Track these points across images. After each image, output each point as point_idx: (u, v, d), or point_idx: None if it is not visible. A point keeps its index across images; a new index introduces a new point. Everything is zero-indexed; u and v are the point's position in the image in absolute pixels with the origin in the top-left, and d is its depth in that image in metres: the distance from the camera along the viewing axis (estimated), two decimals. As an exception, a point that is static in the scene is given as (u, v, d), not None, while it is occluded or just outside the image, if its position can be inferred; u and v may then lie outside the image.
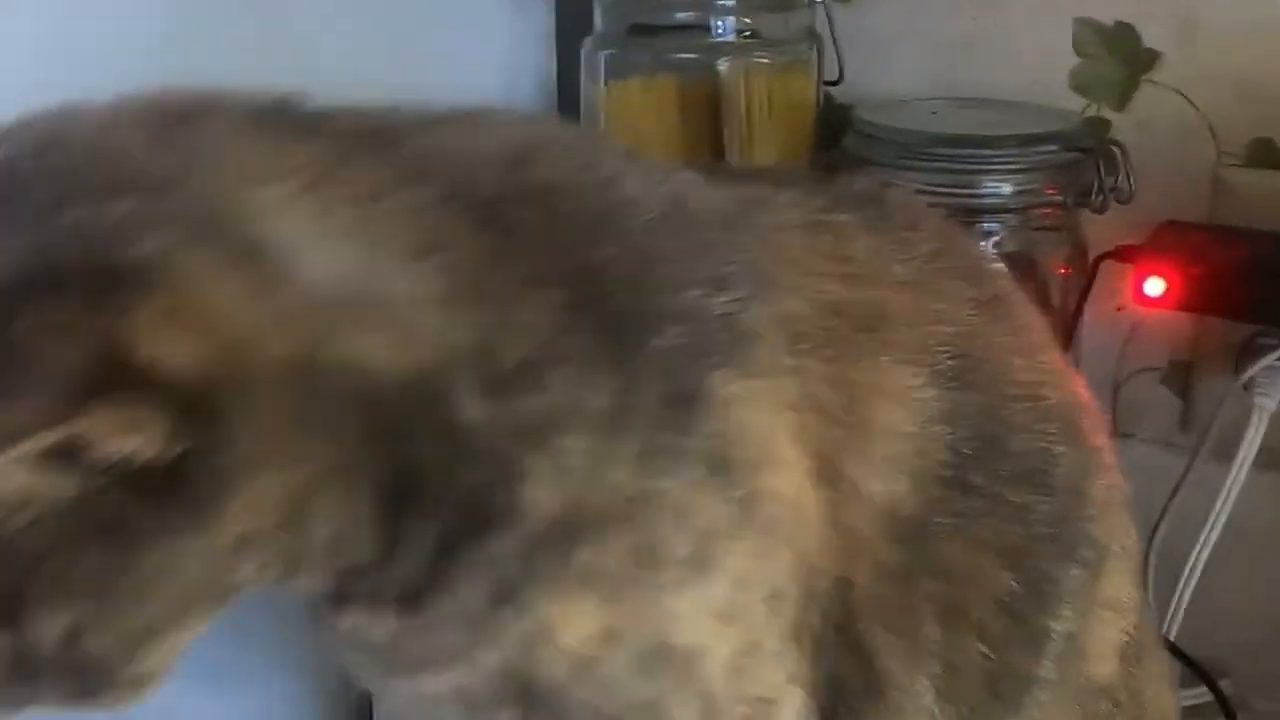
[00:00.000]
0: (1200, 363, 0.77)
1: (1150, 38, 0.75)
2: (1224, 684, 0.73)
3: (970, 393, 0.42)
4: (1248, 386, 0.70)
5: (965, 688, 0.42)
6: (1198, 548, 0.71)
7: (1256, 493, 0.71)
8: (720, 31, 0.75)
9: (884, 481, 0.40)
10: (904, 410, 0.41)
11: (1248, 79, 0.73)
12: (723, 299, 0.38)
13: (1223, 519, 0.69)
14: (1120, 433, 0.81)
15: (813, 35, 0.78)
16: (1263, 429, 0.69)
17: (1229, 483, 0.69)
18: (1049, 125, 0.71)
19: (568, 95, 0.82)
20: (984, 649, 0.41)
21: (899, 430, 0.40)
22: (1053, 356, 0.47)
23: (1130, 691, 0.47)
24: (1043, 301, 0.74)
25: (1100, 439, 0.47)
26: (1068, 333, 0.73)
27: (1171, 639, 0.71)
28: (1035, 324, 0.48)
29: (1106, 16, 0.76)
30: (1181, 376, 0.78)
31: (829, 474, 0.39)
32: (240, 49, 0.67)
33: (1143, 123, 0.76)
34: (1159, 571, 0.72)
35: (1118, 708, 0.47)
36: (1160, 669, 0.51)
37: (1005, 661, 0.42)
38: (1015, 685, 0.43)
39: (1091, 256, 0.74)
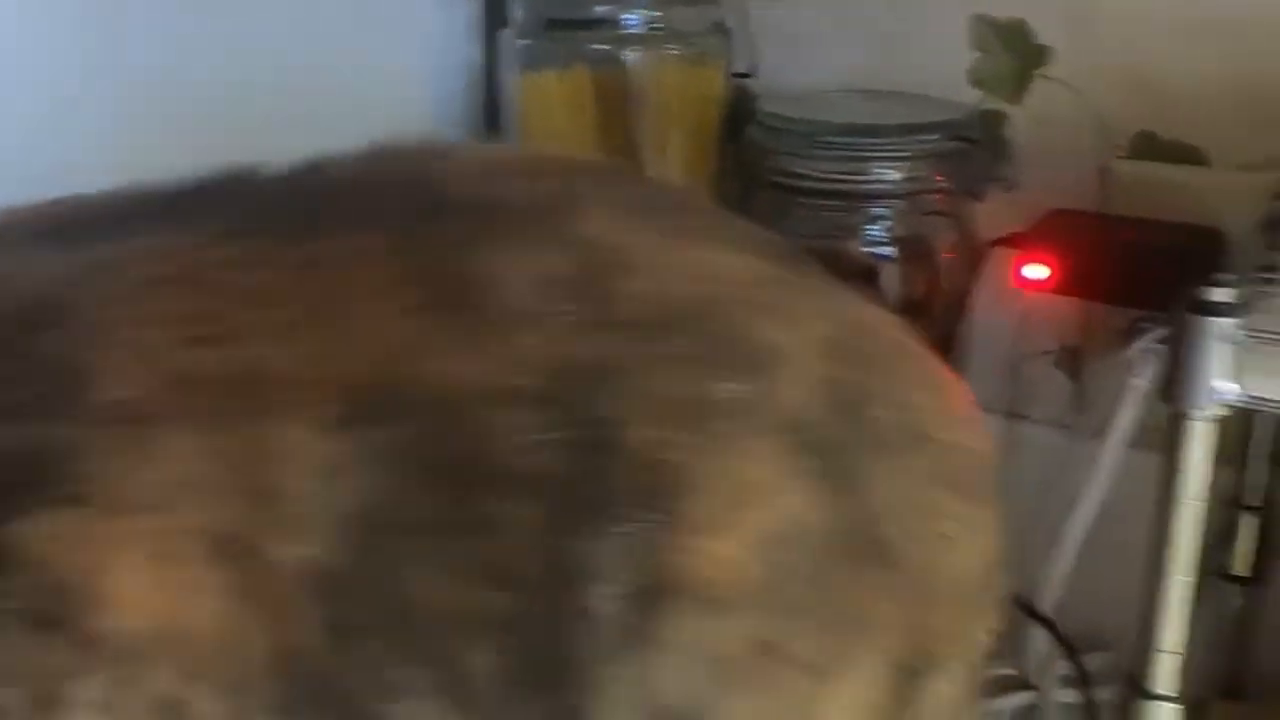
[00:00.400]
0: (1089, 346, 0.80)
1: (1042, 34, 0.78)
2: (1105, 657, 0.77)
3: (399, 425, 0.38)
4: (1126, 369, 0.74)
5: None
6: (1073, 525, 0.74)
7: (1135, 472, 0.74)
8: (631, 24, 0.79)
9: (300, 543, 0.36)
10: (304, 464, 0.37)
11: (1133, 74, 0.76)
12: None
13: (1097, 497, 0.72)
14: (1016, 414, 0.85)
15: (723, 29, 0.81)
16: (1137, 409, 0.72)
17: (1103, 463, 0.72)
18: (934, 116, 0.75)
19: (495, 87, 0.86)
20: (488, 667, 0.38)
21: (302, 488, 0.37)
22: (531, 344, 0.40)
23: None
24: (933, 285, 0.77)
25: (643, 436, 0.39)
26: (956, 315, 0.76)
27: (1049, 615, 0.74)
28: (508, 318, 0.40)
29: (1001, 13, 0.79)
30: (1072, 360, 0.81)
31: (233, 551, 0.36)
32: (169, 42, 0.70)
33: (1036, 115, 0.80)
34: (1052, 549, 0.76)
35: None
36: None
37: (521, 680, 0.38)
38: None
39: (986, 243, 0.77)
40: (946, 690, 0.44)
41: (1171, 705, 0.58)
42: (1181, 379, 0.53)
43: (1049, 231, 0.75)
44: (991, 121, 0.80)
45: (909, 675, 0.43)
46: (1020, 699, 0.77)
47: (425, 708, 0.37)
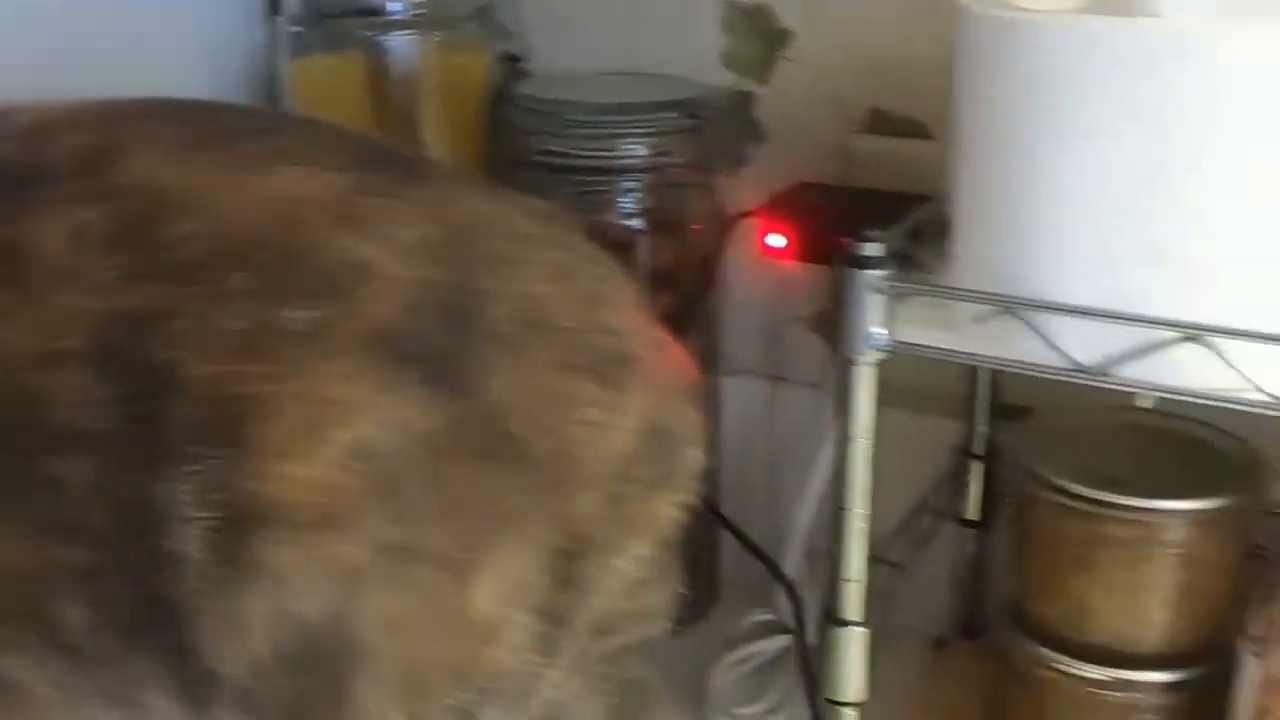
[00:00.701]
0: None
1: (784, 18, 0.83)
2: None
3: None
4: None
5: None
6: (815, 477, 0.79)
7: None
8: (395, 10, 0.82)
9: None
10: None
11: (865, 55, 0.81)
12: None
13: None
14: (779, 377, 0.90)
15: (489, 14, 0.85)
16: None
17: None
18: (678, 94, 0.79)
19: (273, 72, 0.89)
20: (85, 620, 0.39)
21: None
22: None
23: None
24: (681, 255, 0.82)
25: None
26: (705, 283, 0.81)
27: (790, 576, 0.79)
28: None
29: (748, -1, 0.84)
30: (824, 323, 0.86)
31: None
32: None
33: (782, 95, 0.85)
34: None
35: None
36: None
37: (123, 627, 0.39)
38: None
39: (734, 215, 0.82)
40: (624, 567, 0.47)
41: (860, 629, 0.63)
42: (843, 328, 0.58)
43: (788, 203, 0.80)
44: (742, 101, 0.85)
45: (566, 559, 0.45)
46: (776, 643, 0.82)
47: (31, 662, 0.38)
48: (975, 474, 0.79)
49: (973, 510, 0.80)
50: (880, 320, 0.57)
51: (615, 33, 0.89)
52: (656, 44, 0.87)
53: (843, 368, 0.59)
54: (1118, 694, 0.64)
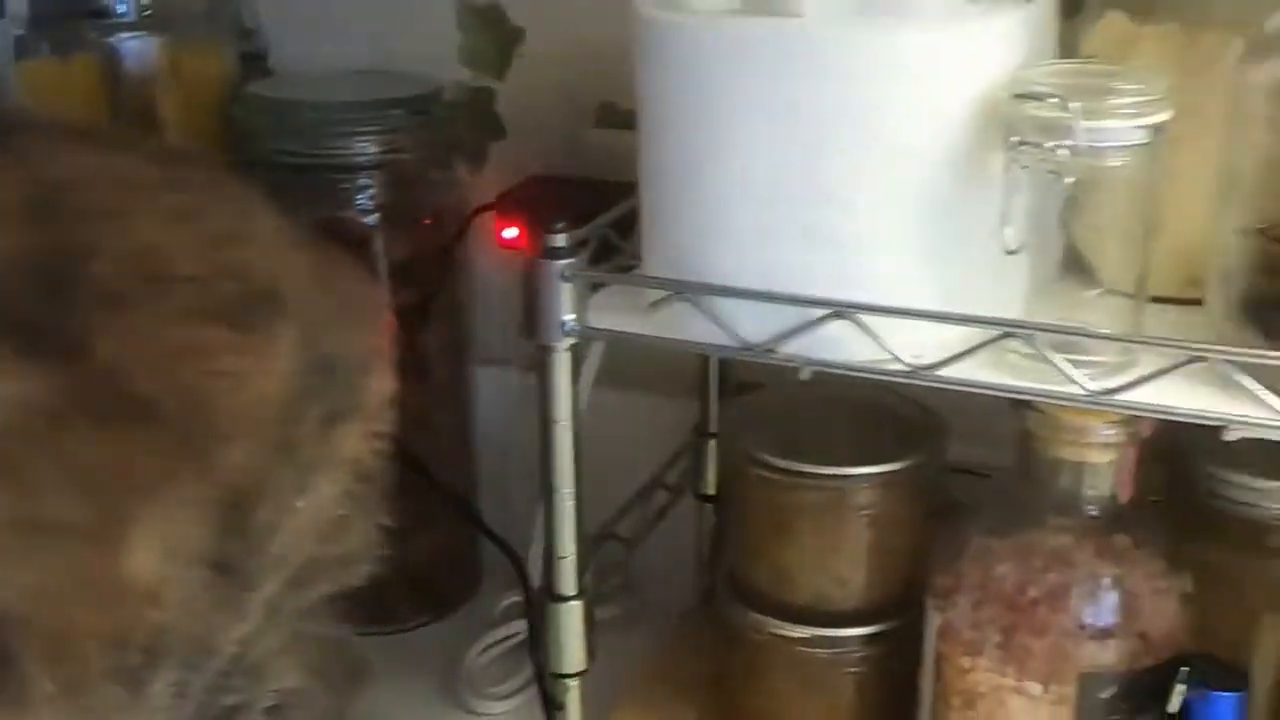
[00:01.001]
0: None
1: (514, 17, 0.86)
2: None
3: None
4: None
5: None
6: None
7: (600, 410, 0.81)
8: (123, 11, 0.82)
9: None
10: None
11: (593, 49, 0.84)
12: None
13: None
14: (531, 367, 0.92)
15: (220, 11, 0.85)
16: (599, 351, 0.79)
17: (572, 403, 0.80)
18: (409, 91, 0.81)
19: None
20: None
21: None
22: None
23: None
24: (419, 249, 0.84)
25: None
26: (441, 276, 0.83)
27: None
28: None
29: (482, -1, 0.86)
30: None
31: None
32: None
33: (520, 90, 0.87)
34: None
35: None
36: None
37: None
38: None
39: (472, 209, 0.84)
40: (311, 508, 0.45)
41: (575, 603, 0.65)
42: (536, 316, 0.61)
43: (521, 196, 0.83)
44: (481, 97, 0.87)
45: (234, 510, 0.43)
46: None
47: None
48: (710, 451, 0.83)
49: (710, 486, 0.84)
50: (571, 308, 0.60)
51: (359, 31, 0.90)
52: (399, 42, 0.89)
53: (539, 354, 0.62)
54: (823, 650, 0.68)
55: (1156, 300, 0.60)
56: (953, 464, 0.70)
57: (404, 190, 0.81)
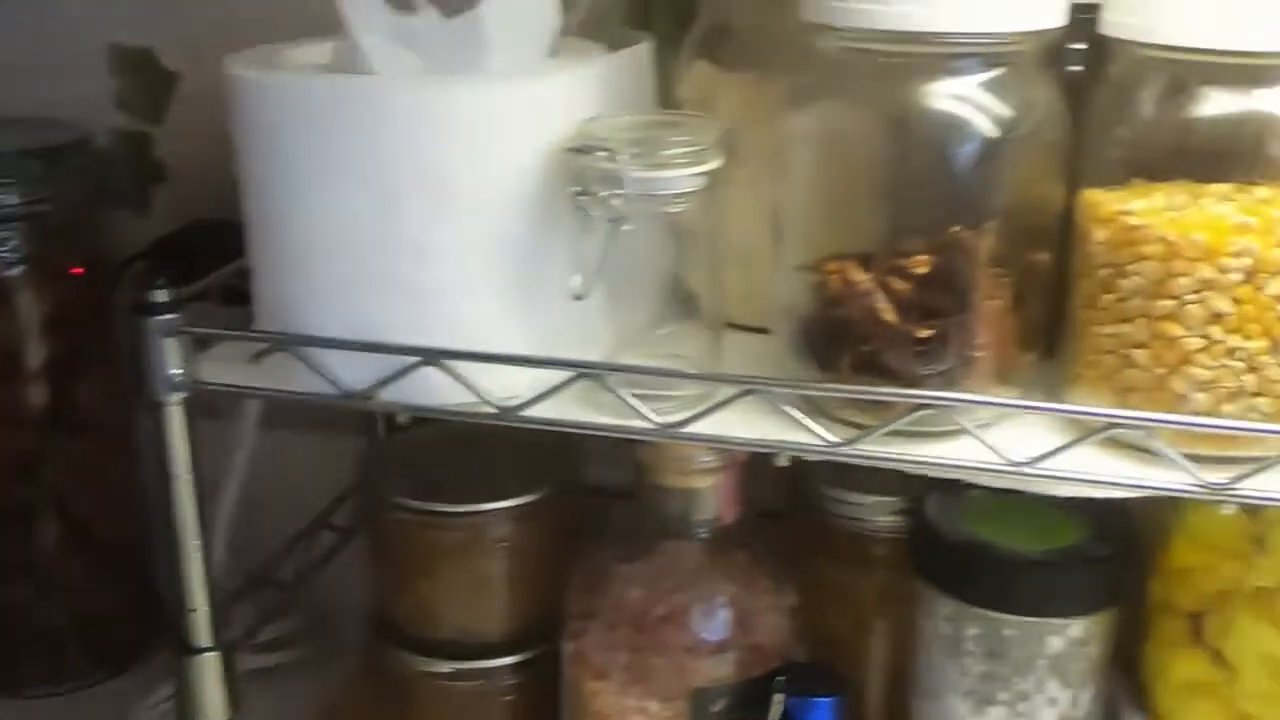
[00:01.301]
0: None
1: (168, 61, 0.85)
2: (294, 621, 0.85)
3: None
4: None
5: None
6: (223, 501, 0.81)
7: (272, 451, 0.81)
8: None
9: None
10: None
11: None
12: None
13: (237, 478, 0.80)
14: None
15: None
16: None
17: (238, 443, 0.80)
18: (54, 140, 0.80)
19: None
20: None
21: None
22: None
23: None
24: (69, 299, 0.82)
25: None
26: (91, 329, 0.82)
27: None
28: None
29: (131, 42, 0.85)
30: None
31: None
32: None
33: (179, 134, 0.87)
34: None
35: None
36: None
37: None
38: None
39: (125, 258, 0.83)
40: None
41: (211, 655, 0.65)
42: (144, 371, 0.61)
43: (180, 241, 0.82)
44: (136, 142, 0.86)
45: None
46: (262, 660, 0.83)
47: None
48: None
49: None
50: (178, 362, 0.60)
51: (8, 79, 0.88)
52: (50, 89, 0.87)
53: (150, 411, 0.61)
54: (469, 683, 0.70)
55: (749, 330, 0.64)
56: (594, 487, 0.73)
57: (51, 240, 0.80)
